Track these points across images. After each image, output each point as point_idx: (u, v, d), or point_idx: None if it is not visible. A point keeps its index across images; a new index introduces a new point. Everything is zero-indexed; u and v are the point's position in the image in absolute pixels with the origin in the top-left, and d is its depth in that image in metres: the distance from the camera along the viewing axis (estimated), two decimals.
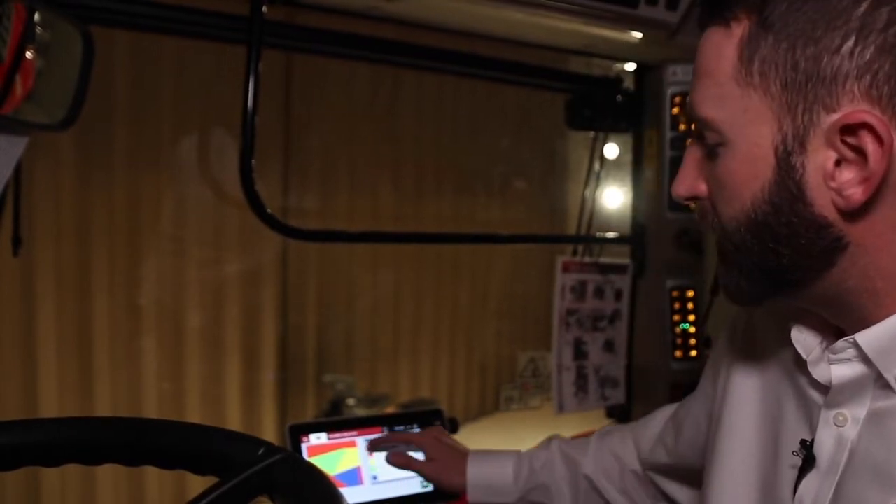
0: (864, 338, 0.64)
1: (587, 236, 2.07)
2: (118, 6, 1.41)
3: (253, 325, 3.97)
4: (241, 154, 1.42)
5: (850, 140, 0.58)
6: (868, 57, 0.56)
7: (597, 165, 2.09)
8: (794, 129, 0.60)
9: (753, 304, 0.71)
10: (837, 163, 0.59)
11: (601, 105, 2.01)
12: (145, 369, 3.49)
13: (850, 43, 0.56)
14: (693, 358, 1.98)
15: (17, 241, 1.26)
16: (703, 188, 0.68)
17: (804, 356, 0.70)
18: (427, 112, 4.75)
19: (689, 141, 0.70)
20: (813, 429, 0.70)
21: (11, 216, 1.26)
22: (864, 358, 0.64)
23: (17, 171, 1.16)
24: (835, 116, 0.58)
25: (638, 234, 2.05)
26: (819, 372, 0.68)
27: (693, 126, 0.68)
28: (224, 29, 1.55)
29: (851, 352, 0.65)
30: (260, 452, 0.58)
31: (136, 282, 3.45)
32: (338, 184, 4.26)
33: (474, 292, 5.17)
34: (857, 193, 0.58)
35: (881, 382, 0.64)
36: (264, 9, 1.39)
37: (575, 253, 2.04)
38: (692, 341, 2.02)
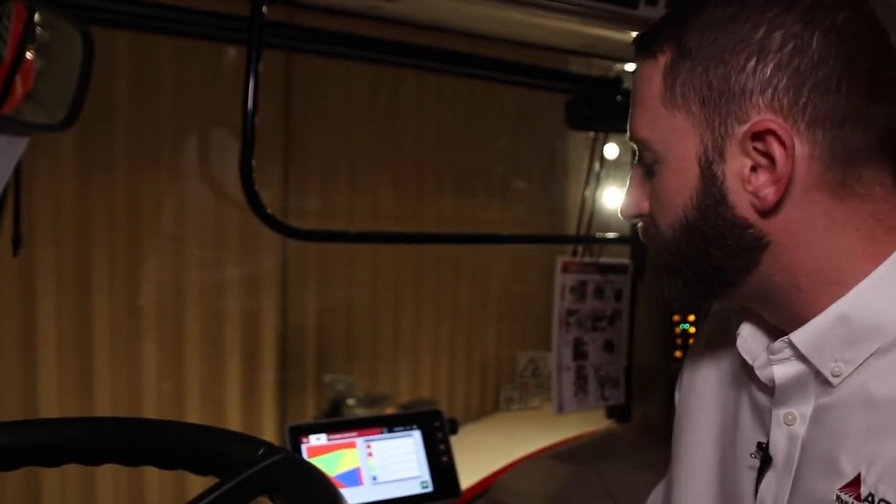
0: (798, 336, 0.68)
1: (587, 236, 2.07)
2: (118, 6, 1.41)
3: (253, 326, 3.97)
4: (241, 154, 1.42)
5: (759, 147, 0.66)
6: (768, 73, 0.65)
7: (597, 165, 2.09)
8: (714, 141, 0.68)
9: (694, 308, 0.78)
10: (753, 168, 0.67)
11: (601, 105, 2.01)
12: (145, 369, 3.49)
13: (753, 62, 0.65)
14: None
15: (17, 241, 1.26)
16: (645, 206, 0.75)
17: (750, 362, 0.74)
18: (427, 112, 4.75)
19: (633, 165, 0.77)
20: (767, 431, 0.73)
21: (11, 216, 1.26)
22: (800, 356, 0.69)
23: (17, 171, 1.16)
24: (745, 127, 0.66)
25: (638, 234, 2.04)
26: (765, 374, 0.73)
27: (635, 150, 0.76)
28: (224, 29, 1.55)
29: (788, 351, 0.70)
30: (260, 452, 0.58)
31: (136, 282, 3.45)
32: (338, 184, 4.26)
33: (474, 292, 5.17)
34: (770, 194, 0.66)
35: (821, 378, 0.68)
36: (264, 9, 1.39)
37: (575, 253, 2.04)
38: (692, 341, 2.02)
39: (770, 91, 0.65)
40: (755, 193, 0.66)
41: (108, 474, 3.23)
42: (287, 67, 3.89)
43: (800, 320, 0.69)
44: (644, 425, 2.08)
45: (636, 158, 0.76)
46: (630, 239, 2.08)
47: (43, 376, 3.11)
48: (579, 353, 2.00)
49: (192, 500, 0.54)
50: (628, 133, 0.74)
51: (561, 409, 1.99)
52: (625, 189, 0.78)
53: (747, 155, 0.66)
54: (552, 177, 5.21)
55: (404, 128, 4.65)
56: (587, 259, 2.02)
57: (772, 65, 0.64)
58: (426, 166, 4.79)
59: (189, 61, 3.44)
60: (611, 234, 2.15)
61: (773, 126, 0.64)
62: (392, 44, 1.73)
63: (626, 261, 2.08)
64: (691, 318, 2.02)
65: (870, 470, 0.63)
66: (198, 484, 0.56)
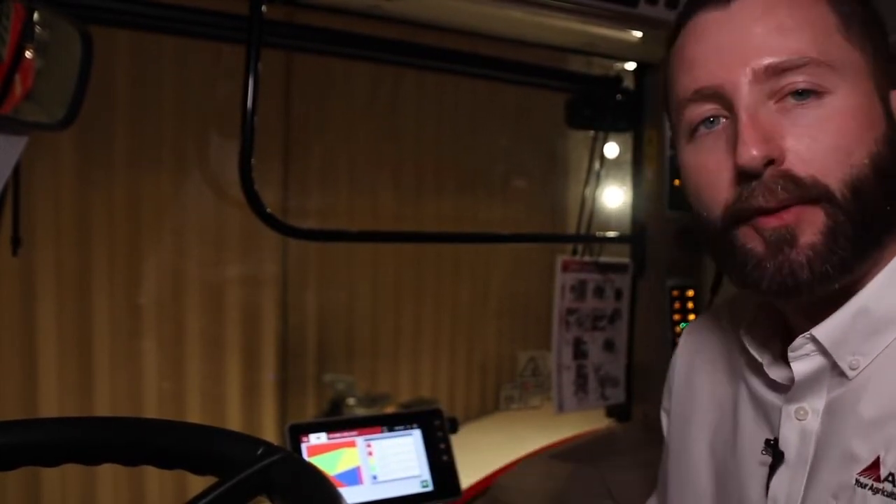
0: (821, 331, 0.67)
1: (587, 235, 2.07)
2: (118, 6, 1.41)
3: (253, 325, 3.96)
4: (240, 154, 1.42)
5: None
6: None
7: (597, 165, 2.09)
8: (884, 89, 0.66)
9: (837, 276, 0.65)
10: None
11: (601, 104, 2.01)
12: (145, 369, 3.49)
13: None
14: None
15: (16, 241, 1.26)
16: (785, 144, 0.64)
17: (759, 360, 0.73)
18: (427, 111, 4.75)
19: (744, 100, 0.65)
20: (774, 427, 0.73)
21: (11, 216, 1.26)
22: (822, 351, 0.68)
23: (17, 170, 1.16)
24: None
25: (638, 233, 2.05)
26: (777, 372, 0.72)
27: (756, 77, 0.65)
28: (224, 29, 1.55)
29: (810, 346, 0.68)
30: (259, 452, 0.58)
31: (136, 281, 3.45)
32: (338, 183, 4.26)
33: (474, 292, 5.17)
34: None
35: (836, 371, 0.68)
36: (264, 8, 1.39)
37: (575, 252, 2.04)
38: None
39: None
40: None
41: (108, 474, 3.23)
42: (287, 67, 3.89)
43: (820, 310, 0.68)
44: (644, 425, 2.08)
45: (757, 92, 0.65)
46: (630, 238, 2.08)
47: (43, 376, 3.11)
48: (579, 352, 2.00)
49: (191, 499, 0.54)
50: (772, 56, 0.63)
51: (561, 408, 1.99)
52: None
53: None
54: (552, 176, 5.21)
55: (404, 127, 4.65)
56: (587, 258, 2.02)
57: None
58: (426, 165, 4.79)
59: (189, 60, 3.44)
60: (611, 234, 2.15)
61: None
62: (392, 43, 1.73)
63: (626, 260, 2.07)
64: (691, 317, 2.02)
65: (889, 452, 0.63)
66: (198, 484, 0.56)
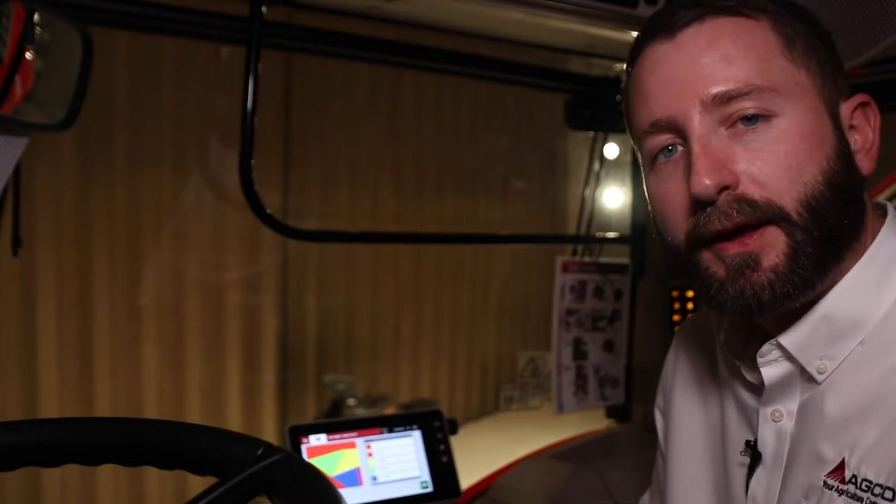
0: (786, 339, 0.70)
1: (587, 236, 2.07)
2: (118, 6, 1.41)
3: (253, 326, 3.96)
4: (240, 154, 1.42)
5: (858, 116, 0.70)
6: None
7: (597, 165, 2.09)
8: (832, 102, 0.68)
9: (807, 286, 0.67)
10: (854, 137, 0.69)
11: (601, 105, 2.01)
12: (145, 370, 3.49)
13: None
14: None
15: (16, 242, 1.26)
16: (736, 168, 0.65)
17: (737, 362, 0.76)
18: (427, 112, 4.75)
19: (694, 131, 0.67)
20: (754, 429, 0.75)
21: (11, 217, 1.26)
22: (788, 356, 0.71)
23: (17, 171, 1.16)
24: (849, 98, 0.70)
25: (638, 234, 2.05)
26: (752, 375, 0.74)
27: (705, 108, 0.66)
28: (224, 29, 1.54)
29: (776, 353, 0.71)
30: (259, 452, 0.58)
31: (137, 282, 3.45)
32: (338, 184, 4.26)
33: (474, 293, 5.17)
34: (868, 163, 0.69)
35: (806, 376, 0.71)
36: (264, 9, 1.39)
37: (575, 253, 2.04)
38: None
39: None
40: (859, 160, 0.69)
41: (108, 474, 3.23)
42: (287, 67, 3.89)
43: (789, 317, 0.70)
44: (644, 425, 2.08)
45: (703, 118, 0.66)
46: (630, 239, 2.08)
47: (43, 376, 3.11)
48: (579, 352, 2.00)
49: (191, 499, 0.54)
50: (718, 86, 0.65)
51: (561, 408, 1.99)
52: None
53: (851, 123, 0.69)
54: (552, 177, 5.21)
55: (404, 128, 4.65)
56: (587, 259, 2.02)
57: None
58: (426, 166, 4.79)
59: (190, 61, 3.44)
60: (611, 234, 2.15)
61: (867, 98, 0.68)
62: (392, 44, 1.73)
63: (625, 260, 2.07)
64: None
65: (852, 454, 0.66)
66: (198, 484, 0.56)
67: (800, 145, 0.64)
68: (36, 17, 0.99)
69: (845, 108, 0.69)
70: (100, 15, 1.38)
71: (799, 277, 0.65)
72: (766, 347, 0.72)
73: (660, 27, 0.69)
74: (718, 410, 0.82)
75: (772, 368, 0.72)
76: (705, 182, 0.64)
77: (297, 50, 2.13)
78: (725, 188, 0.65)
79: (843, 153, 0.67)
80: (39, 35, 1.01)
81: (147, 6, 1.45)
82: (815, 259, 0.65)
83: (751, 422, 0.76)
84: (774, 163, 0.64)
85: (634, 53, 0.73)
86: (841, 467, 0.66)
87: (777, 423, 0.73)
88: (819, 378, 0.69)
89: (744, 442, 0.76)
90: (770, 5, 0.68)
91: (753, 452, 0.75)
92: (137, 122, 3.34)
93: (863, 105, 0.70)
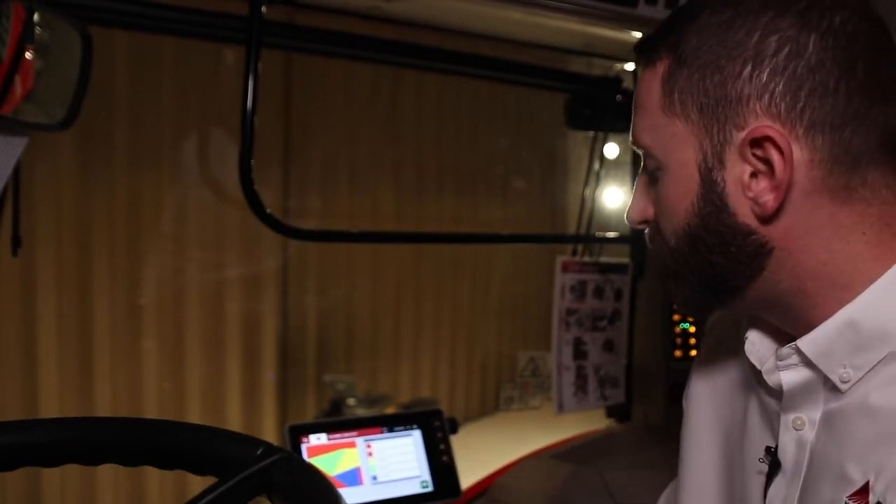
0: (805, 343, 0.68)
1: (587, 236, 2.07)
2: (118, 6, 1.41)
3: (253, 325, 3.96)
4: (240, 154, 1.42)
5: (758, 153, 0.65)
6: (764, 79, 0.64)
7: (597, 165, 2.09)
8: (713, 147, 0.68)
9: (702, 314, 0.79)
10: (753, 175, 0.66)
11: (601, 105, 2.01)
12: (146, 369, 3.49)
13: (749, 68, 0.64)
14: (693, 358, 1.98)
15: (16, 242, 1.26)
16: (650, 212, 0.76)
17: (758, 366, 0.74)
18: (427, 112, 4.74)
19: (640, 171, 0.79)
20: (775, 435, 0.73)
21: (11, 216, 1.26)
22: (807, 362, 0.68)
23: (17, 170, 1.16)
24: (743, 133, 0.66)
25: (638, 234, 2.05)
26: (774, 379, 0.72)
27: (640, 156, 0.77)
28: (224, 29, 1.55)
29: (795, 357, 0.69)
30: (258, 452, 0.58)
31: (137, 282, 3.45)
32: (338, 183, 4.26)
33: (474, 292, 5.16)
34: (770, 201, 0.65)
35: (830, 384, 0.68)
36: (264, 9, 1.39)
37: (575, 252, 2.04)
38: (692, 341, 2.02)
39: (767, 97, 0.64)
40: (755, 200, 0.66)
41: (108, 474, 3.23)
42: (287, 67, 3.89)
43: (808, 325, 0.68)
44: (644, 425, 2.08)
45: (641, 165, 0.77)
46: (630, 239, 2.08)
47: (43, 376, 3.10)
48: (579, 352, 2.00)
49: (191, 499, 0.54)
50: (631, 139, 0.76)
51: (561, 408, 1.99)
52: (627, 190, 0.80)
53: (746, 161, 0.66)
54: (552, 176, 5.21)
55: (404, 127, 4.65)
56: (587, 258, 2.02)
57: (768, 70, 0.64)
58: (426, 166, 4.79)
59: (190, 61, 3.43)
60: (611, 234, 2.15)
61: (770, 132, 0.64)
62: (392, 44, 1.73)
63: (626, 260, 2.08)
64: (691, 318, 2.02)
65: (878, 478, 0.63)
66: (198, 484, 0.56)
67: (672, 193, 0.71)
68: (36, 16, 0.99)
69: (736, 148, 0.66)
70: (100, 15, 1.38)
71: (694, 306, 0.78)
72: (784, 350, 0.70)
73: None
74: (741, 413, 0.80)
75: (791, 373, 0.70)
76: (632, 216, 0.77)
77: (297, 50, 2.13)
78: (646, 221, 0.76)
79: (707, 196, 0.69)
80: (39, 35, 1.01)
81: (147, 6, 1.46)
82: (698, 291, 0.74)
83: (773, 427, 0.74)
84: (661, 209, 0.73)
85: None
86: (865, 490, 0.64)
87: (798, 431, 0.70)
88: (843, 388, 0.67)
89: (764, 448, 0.74)
90: (672, 42, 0.69)
91: (773, 460, 0.72)
92: (137, 121, 3.34)
93: (759, 140, 0.65)
